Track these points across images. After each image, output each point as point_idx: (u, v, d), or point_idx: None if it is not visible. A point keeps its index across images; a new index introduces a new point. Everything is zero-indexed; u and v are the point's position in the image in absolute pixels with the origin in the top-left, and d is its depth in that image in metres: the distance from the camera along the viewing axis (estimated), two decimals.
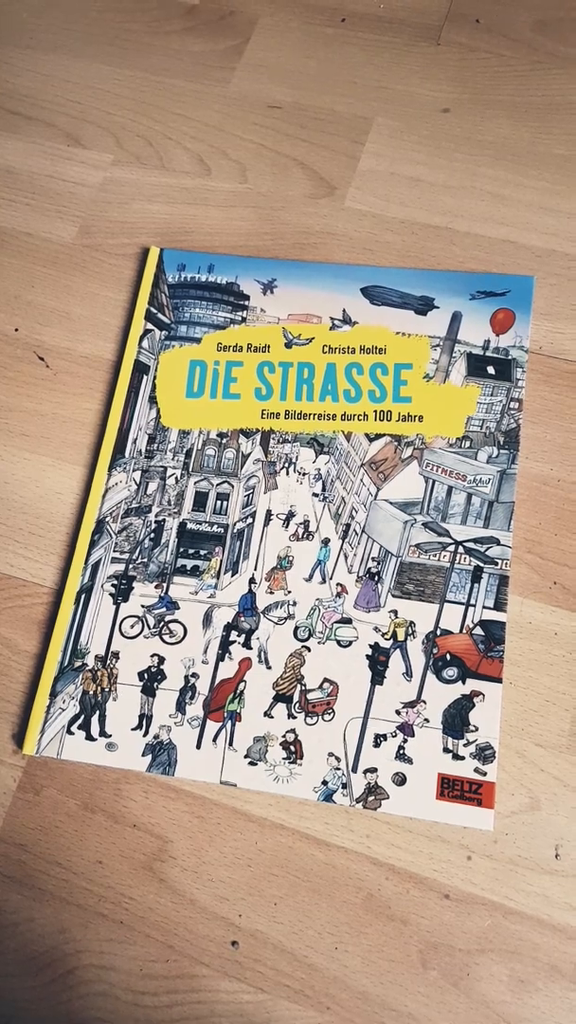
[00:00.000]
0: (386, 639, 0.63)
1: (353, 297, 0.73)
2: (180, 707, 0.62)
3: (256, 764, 0.60)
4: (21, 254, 0.79)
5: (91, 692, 0.63)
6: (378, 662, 0.63)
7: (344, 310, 0.73)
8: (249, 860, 0.59)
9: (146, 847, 0.60)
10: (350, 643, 0.64)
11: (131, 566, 0.67)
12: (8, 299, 0.77)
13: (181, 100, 0.85)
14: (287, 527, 0.67)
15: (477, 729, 0.60)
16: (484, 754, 0.60)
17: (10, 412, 0.73)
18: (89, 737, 0.62)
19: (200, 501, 0.69)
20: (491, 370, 0.70)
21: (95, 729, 0.62)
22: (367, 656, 0.63)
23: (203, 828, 0.60)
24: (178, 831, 0.60)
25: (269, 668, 0.63)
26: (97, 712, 0.62)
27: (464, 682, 0.62)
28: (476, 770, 0.59)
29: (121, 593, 0.66)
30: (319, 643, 0.64)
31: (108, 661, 0.64)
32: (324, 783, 0.60)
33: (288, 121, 0.83)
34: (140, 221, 0.80)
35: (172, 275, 0.76)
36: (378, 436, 0.69)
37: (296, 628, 0.64)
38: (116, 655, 0.64)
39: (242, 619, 0.65)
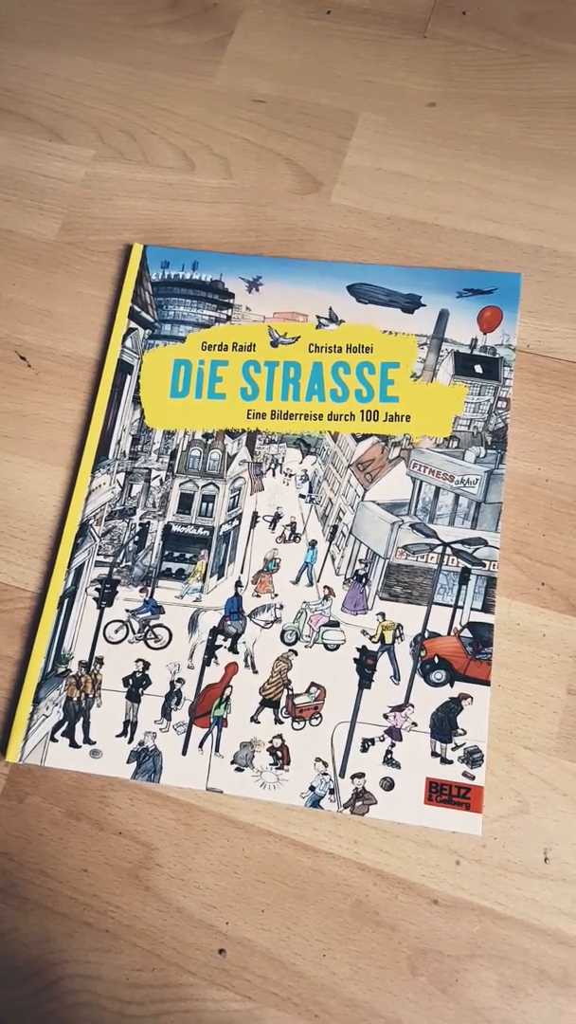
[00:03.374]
0: (374, 642, 0.63)
1: (339, 295, 0.73)
2: (165, 713, 0.62)
3: (243, 770, 0.60)
4: (2, 251, 0.78)
5: (75, 698, 0.62)
6: (366, 665, 0.62)
7: (330, 308, 0.72)
8: (236, 867, 0.58)
9: (132, 855, 0.59)
10: (337, 646, 0.63)
11: (115, 570, 0.66)
12: None
13: (164, 94, 0.84)
14: (273, 529, 0.67)
15: (465, 732, 0.60)
16: (472, 758, 0.59)
17: None
18: (73, 744, 0.61)
19: (185, 503, 0.68)
20: (478, 369, 0.69)
21: (79, 736, 0.61)
22: (354, 659, 0.62)
23: (189, 835, 0.59)
24: (164, 838, 0.59)
25: (256, 672, 0.63)
26: (81, 719, 0.62)
27: (452, 685, 0.61)
28: (464, 774, 0.59)
29: (105, 597, 0.65)
30: (306, 647, 0.63)
31: (92, 667, 0.63)
32: (311, 789, 0.59)
33: (273, 116, 0.82)
34: (123, 217, 0.78)
35: (156, 273, 0.75)
36: (365, 436, 0.68)
37: (283, 632, 0.64)
38: (100, 660, 0.63)
39: (228, 623, 0.64)
